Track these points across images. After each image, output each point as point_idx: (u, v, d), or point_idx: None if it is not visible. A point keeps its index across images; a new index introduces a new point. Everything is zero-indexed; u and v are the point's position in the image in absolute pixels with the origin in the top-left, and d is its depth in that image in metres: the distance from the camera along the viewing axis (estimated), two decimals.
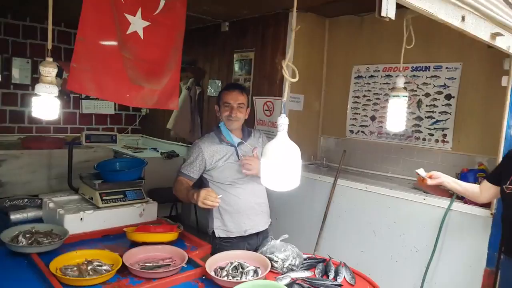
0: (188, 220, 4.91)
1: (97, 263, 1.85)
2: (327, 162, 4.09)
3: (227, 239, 2.38)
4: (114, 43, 1.92)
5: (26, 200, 2.65)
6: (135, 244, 2.11)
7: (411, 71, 3.51)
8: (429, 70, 3.42)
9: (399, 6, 1.17)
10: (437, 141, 3.41)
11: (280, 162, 1.30)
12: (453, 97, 3.29)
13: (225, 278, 1.79)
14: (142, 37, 1.90)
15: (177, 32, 2.19)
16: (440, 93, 3.37)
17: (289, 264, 2.00)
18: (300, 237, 3.58)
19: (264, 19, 4.12)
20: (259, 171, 1.43)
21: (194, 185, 2.37)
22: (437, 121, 3.39)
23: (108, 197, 2.44)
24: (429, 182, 2.28)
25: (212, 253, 2.11)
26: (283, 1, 3.56)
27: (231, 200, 2.34)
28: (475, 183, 2.72)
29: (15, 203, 2.61)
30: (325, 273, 2.01)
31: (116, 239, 2.29)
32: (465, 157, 3.23)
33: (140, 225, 2.37)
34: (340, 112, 4.12)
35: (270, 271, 1.90)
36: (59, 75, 4.34)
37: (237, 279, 1.78)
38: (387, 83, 3.72)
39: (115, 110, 5.84)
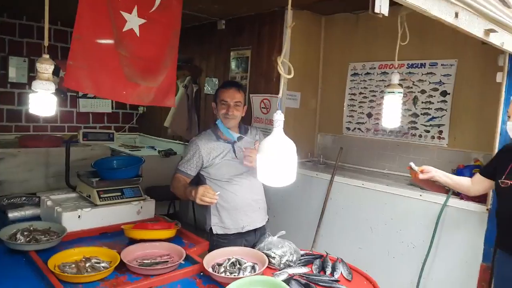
0: (186, 218, 4.92)
1: (95, 260, 1.86)
2: (324, 159, 4.11)
3: (224, 236, 2.39)
4: (110, 40, 1.93)
5: (24, 198, 2.65)
6: (133, 241, 2.12)
7: (406, 68, 3.53)
8: (424, 67, 3.44)
9: (392, 3, 1.18)
10: (433, 137, 3.43)
11: (276, 158, 1.31)
12: (449, 93, 3.31)
13: (223, 274, 1.80)
14: (138, 34, 1.90)
15: (173, 30, 2.20)
16: (435, 89, 3.39)
17: (287, 260, 2.02)
18: (298, 233, 3.60)
19: (261, 17, 4.13)
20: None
21: (191, 182, 2.39)
22: (433, 117, 3.41)
23: (105, 195, 2.45)
24: (421, 176, 2.32)
25: (210, 250, 2.12)
26: None
27: (228, 197, 2.35)
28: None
29: (13, 201, 2.61)
30: (322, 269, 2.03)
31: (114, 236, 2.30)
32: (461, 154, 3.25)
33: (138, 222, 2.38)
34: (337, 110, 4.13)
35: (267, 267, 1.91)
36: (55, 73, 4.35)
37: (234, 275, 1.79)
38: (383, 80, 3.73)
39: (112, 108, 5.84)
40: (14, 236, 2.03)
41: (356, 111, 4.00)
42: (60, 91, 5.12)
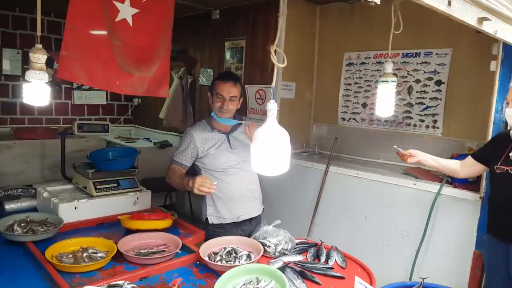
0: (183, 209, 4.94)
1: (92, 250, 1.88)
2: (320, 150, 4.12)
3: (220, 226, 2.41)
4: (103, 30, 1.92)
5: (20, 190, 2.65)
6: (129, 231, 2.14)
7: (401, 57, 3.53)
8: (419, 57, 3.44)
9: None
10: (427, 127, 3.45)
11: (270, 147, 1.32)
12: (443, 83, 3.32)
13: (219, 263, 1.82)
14: (131, 24, 1.90)
15: (166, 20, 2.19)
16: (430, 79, 3.40)
17: (282, 249, 2.05)
18: (293, 223, 3.63)
19: (255, 6, 4.11)
20: None
21: (187, 173, 2.39)
22: (428, 107, 3.43)
23: (101, 186, 2.46)
24: (409, 160, 2.35)
25: (206, 240, 2.14)
26: None
27: (223, 187, 2.36)
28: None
29: (9, 193, 2.61)
30: (317, 256, 2.06)
31: (110, 227, 2.32)
32: (455, 143, 3.27)
33: (134, 213, 2.39)
34: (332, 100, 4.13)
35: (262, 255, 1.93)
36: (50, 65, 4.33)
37: (230, 264, 1.81)
38: (378, 70, 3.74)
39: (107, 100, 5.81)
40: (11, 228, 2.04)
41: (351, 101, 4.00)
42: (55, 83, 5.10)
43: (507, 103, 2.16)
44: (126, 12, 1.94)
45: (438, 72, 3.34)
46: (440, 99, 3.35)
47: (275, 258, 1.97)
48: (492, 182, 2.29)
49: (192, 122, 4.82)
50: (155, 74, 2.20)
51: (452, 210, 2.85)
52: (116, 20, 1.92)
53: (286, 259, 1.97)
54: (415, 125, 3.52)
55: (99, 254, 1.85)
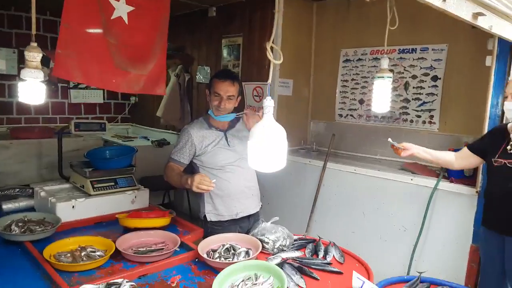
0: (181, 207, 4.94)
1: (91, 249, 1.88)
2: (317, 147, 4.13)
3: (218, 223, 2.41)
4: (99, 28, 1.91)
5: (17, 189, 2.65)
6: (127, 230, 2.14)
7: (398, 53, 3.54)
8: (415, 52, 3.45)
9: None
10: (424, 122, 3.46)
11: (266, 144, 1.32)
12: (439, 78, 3.33)
13: (218, 260, 1.83)
14: (126, 22, 1.89)
15: (162, 17, 2.18)
16: (426, 74, 3.40)
17: (280, 245, 2.05)
18: (292, 220, 3.64)
19: (251, 3, 4.11)
20: None
21: (185, 171, 2.40)
22: (424, 102, 3.44)
23: (99, 185, 2.45)
24: (402, 154, 2.36)
25: (204, 237, 2.14)
26: None
27: (221, 184, 2.37)
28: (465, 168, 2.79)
29: (6, 193, 2.61)
30: (315, 252, 2.06)
31: (108, 226, 2.31)
32: (452, 138, 3.28)
33: (132, 211, 2.39)
34: (329, 96, 4.14)
35: (261, 252, 1.94)
36: (46, 64, 4.30)
37: (229, 261, 1.81)
38: (374, 66, 3.74)
39: (104, 99, 5.80)
40: (9, 227, 2.03)
41: (348, 97, 4.01)
42: (51, 82, 5.08)
43: (506, 97, 2.16)
44: (121, 9, 1.94)
45: (434, 68, 3.35)
46: (436, 95, 3.36)
47: (273, 255, 1.98)
48: (489, 175, 2.31)
49: (189, 120, 4.82)
50: (151, 72, 2.19)
51: (449, 204, 2.87)
52: (112, 18, 1.92)
53: (284, 255, 1.97)
54: (411, 121, 3.53)
55: (97, 253, 1.85)
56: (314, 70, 4.29)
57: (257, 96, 4.09)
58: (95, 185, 2.44)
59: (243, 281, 1.61)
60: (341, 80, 4.05)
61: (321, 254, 2.03)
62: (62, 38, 1.79)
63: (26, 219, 2.14)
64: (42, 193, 2.43)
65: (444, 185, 2.88)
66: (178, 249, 1.97)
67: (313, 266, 1.87)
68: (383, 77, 2.06)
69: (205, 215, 2.42)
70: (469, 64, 3.15)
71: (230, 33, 4.40)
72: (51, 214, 2.23)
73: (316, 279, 1.77)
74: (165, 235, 2.10)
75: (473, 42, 3.04)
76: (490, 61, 2.58)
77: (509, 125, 2.22)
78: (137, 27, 2.00)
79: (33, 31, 1.38)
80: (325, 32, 4.15)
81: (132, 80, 2.11)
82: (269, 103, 1.33)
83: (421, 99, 3.46)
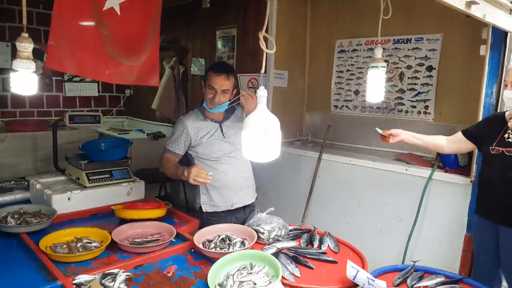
0: (178, 199, 4.95)
1: (87, 240, 1.89)
2: (313, 138, 4.14)
3: (214, 214, 2.42)
4: (91, 19, 1.90)
5: (13, 182, 2.64)
6: (123, 221, 2.14)
7: (392, 43, 3.53)
8: (410, 42, 3.45)
9: None
10: (419, 113, 3.47)
11: (260, 134, 1.33)
12: (434, 68, 3.33)
13: (213, 250, 1.84)
14: (118, 13, 1.87)
15: (154, 8, 2.16)
16: (421, 65, 3.41)
17: (275, 235, 2.06)
18: (288, 211, 3.64)
19: None
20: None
21: (180, 162, 2.40)
22: (419, 93, 3.45)
23: (94, 177, 2.45)
24: (391, 140, 2.34)
25: (200, 228, 2.15)
26: None
27: (217, 175, 2.37)
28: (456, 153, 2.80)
29: (2, 185, 2.60)
30: (310, 242, 2.08)
31: (104, 217, 2.32)
32: (447, 128, 3.28)
33: (128, 203, 2.40)
34: (325, 87, 4.14)
35: (256, 242, 1.95)
36: (39, 58, 4.28)
37: (224, 250, 1.83)
38: (369, 56, 3.74)
39: (98, 92, 5.78)
40: (5, 219, 2.03)
41: (343, 88, 4.01)
42: (45, 76, 5.06)
43: (506, 85, 2.14)
44: (113, 0, 1.92)
45: (429, 58, 3.35)
46: (431, 85, 3.37)
47: (268, 245, 1.99)
48: (485, 163, 2.30)
49: (184, 112, 4.81)
50: (144, 62, 2.18)
51: (443, 194, 2.89)
52: (104, 9, 1.90)
53: (279, 245, 1.98)
54: (406, 111, 3.54)
55: (94, 244, 1.86)
56: (309, 61, 4.28)
57: (252, 87, 4.09)
58: (90, 177, 2.44)
59: (238, 270, 1.63)
60: (336, 71, 4.04)
61: (316, 243, 2.05)
62: (54, 29, 1.77)
63: (22, 211, 2.14)
64: (38, 186, 2.43)
65: (439, 175, 2.89)
66: (174, 240, 1.98)
67: (308, 256, 1.89)
68: (377, 66, 2.06)
69: (200, 206, 2.43)
70: (463, 53, 3.15)
71: (224, 24, 4.38)
72: (47, 206, 2.23)
73: (311, 268, 1.79)
74: (161, 226, 2.11)
75: (468, 31, 3.04)
76: (484, 50, 2.58)
77: (507, 113, 2.22)
78: (129, 18, 1.99)
79: (24, 22, 1.37)
80: (320, 23, 4.14)
81: (125, 71, 2.10)
82: (262, 93, 1.34)
83: (416, 90, 3.46)
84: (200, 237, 1.95)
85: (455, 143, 2.40)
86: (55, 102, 5.37)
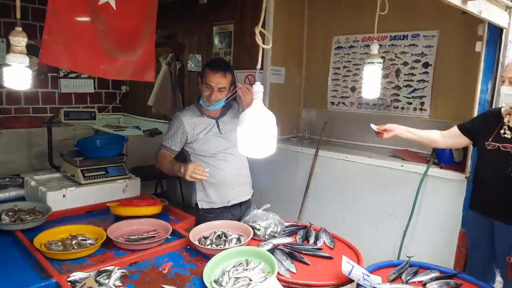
0: (174, 197, 4.94)
1: (82, 238, 1.88)
2: (309, 135, 4.14)
3: (210, 210, 2.42)
4: (86, 14, 1.88)
5: (7, 179, 2.63)
6: (119, 218, 2.14)
7: (389, 40, 3.53)
8: (407, 39, 3.45)
9: None
10: (415, 109, 3.48)
11: (256, 129, 1.32)
12: (430, 65, 3.34)
13: (209, 247, 1.83)
14: (114, 7, 1.86)
15: (150, 2, 2.15)
16: (417, 61, 3.41)
17: (271, 231, 2.06)
18: (284, 208, 3.65)
19: None
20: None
21: (176, 158, 2.39)
22: (415, 89, 3.45)
23: (89, 174, 2.44)
24: (385, 135, 2.33)
25: (196, 225, 2.15)
26: None
27: (213, 172, 2.36)
28: (451, 149, 2.81)
29: None
30: (306, 238, 2.08)
31: (99, 214, 2.31)
32: (443, 124, 3.26)
33: (123, 200, 2.39)
34: (321, 84, 4.13)
35: (252, 238, 1.95)
36: (35, 54, 4.25)
37: (220, 247, 1.82)
38: (366, 53, 3.73)
39: (94, 88, 5.74)
40: None
41: (340, 85, 4.01)
42: (41, 72, 5.03)
43: (503, 81, 2.14)
44: None
45: (426, 54, 3.36)
46: (427, 81, 3.37)
47: (264, 241, 1.99)
48: (480, 158, 2.30)
49: (181, 108, 4.79)
50: (140, 58, 2.17)
51: (438, 190, 2.90)
52: (99, 3, 1.88)
53: (275, 241, 1.99)
54: (403, 108, 3.55)
55: (89, 241, 1.85)
56: (306, 57, 4.27)
57: (249, 84, 4.06)
58: (85, 174, 2.42)
59: (234, 266, 1.62)
60: (333, 68, 4.04)
61: (311, 239, 2.05)
62: (48, 24, 1.76)
63: (16, 208, 2.12)
64: (32, 183, 2.41)
65: (434, 171, 2.90)
66: (170, 237, 1.97)
67: (303, 252, 1.89)
68: (373, 62, 2.06)
69: (196, 203, 2.43)
70: (459, 50, 3.16)
71: (221, 20, 4.36)
72: (41, 203, 2.22)
73: (307, 264, 1.79)
74: (157, 223, 2.10)
75: (464, 28, 3.05)
76: (480, 46, 2.58)
77: (503, 109, 2.23)
78: (125, 13, 1.97)
79: (18, 16, 1.35)
80: (317, 19, 4.13)
81: (120, 66, 2.08)
82: (258, 89, 1.33)
83: (412, 86, 3.47)
84: (196, 234, 1.95)
85: (450, 138, 2.40)
86: (51, 98, 5.33)
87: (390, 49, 3.54)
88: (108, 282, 1.49)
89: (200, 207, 2.42)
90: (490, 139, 2.18)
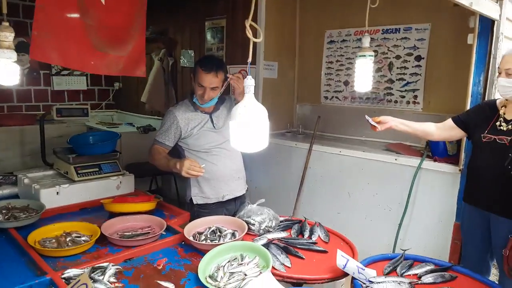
0: (169, 193, 4.94)
1: (76, 235, 1.88)
2: (303, 130, 4.14)
3: (205, 206, 2.42)
4: (75, 9, 1.86)
5: (0, 177, 2.61)
6: (113, 215, 2.13)
7: (381, 33, 3.53)
8: (399, 32, 3.45)
9: None
10: (408, 102, 3.49)
11: (248, 124, 1.32)
12: (423, 58, 3.34)
13: (204, 242, 1.83)
14: (103, 2, 1.84)
15: None
16: (410, 54, 3.41)
17: (266, 226, 2.07)
18: (279, 203, 3.66)
19: None
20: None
21: (170, 154, 2.38)
22: (408, 82, 3.46)
23: (83, 171, 2.43)
24: (379, 128, 2.33)
25: (191, 220, 2.15)
26: None
27: (208, 167, 2.34)
28: (445, 142, 2.82)
29: None
30: (301, 233, 2.09)
31: (93, 211, 2.31)
32: (436, 117, 3.26)
33: (117, 197, 2.38)
34: (315, 79, 4.13)
35: (247, 233, 1.95)
36: (27, 51, 4.20)
37: (215, 242, 1.82)
38: (358, 47, 3.71)
39: (87, 85, 5.70)
40: None
41: (333, 79, 4.01)
42: (33, 70, 4.99)
43: (499, 73, 2.11)
44: None
45: (418, 48, 3.36)
46: (420, 75, 3.38)
47: (259, 236, 2.00)
48: (476, 150, 2.29)
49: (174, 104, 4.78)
50: (130, 53, 2.15)
51: (432, 183, 2.91)
52: None
53: (270, 236, 1.99)
54: (396, 101, 3.56)
55: (83, 238, 1.85)
56: (299, 52, 4.26)
57: (240, 74, 4.05)
58: (79, 171, 2.42)
59: (229, 261, 1.63)
60: (326, 62, 4.03)
61: (306, 234, 2.05)
62: (37, 20, 1.73)
63: (10, 206, 2.12)
64: (26, 180, 2.40)
65: (428, 164, 2.91)
66: (164, 233, 1.97)
67: (298, 246, 1.89)
68: (364, 55, 2.06)
69: (191, 198, 2.43)
70: (451, 43, 3.16)
71: (213, 15, 4.34)
72: (35, 200, 2.21)
73: (302, 258, 1.80)
74: (151, 219, 2.10)
75: (455, 20, 3.05)
76: (472, 39, 2.59)
77: (498, 101, 2.23)
78: (114, 8, 1.95)
79: (4, 10, 1.34)
80: (309, 13, 4.12)
81: (111, 61, 2.07)
82: (250, 82, 1.33)
83: (405, 79, 3.47)
84: (191, 230, 1.95)
85: (444, 130, 2.39)
86: (43, 96, 5.29)
87: (382, 43, 3.54)
88: (103, 279, 1.49)
89: (195, 202, 2.42)
90: (486, 131, 2.18)
